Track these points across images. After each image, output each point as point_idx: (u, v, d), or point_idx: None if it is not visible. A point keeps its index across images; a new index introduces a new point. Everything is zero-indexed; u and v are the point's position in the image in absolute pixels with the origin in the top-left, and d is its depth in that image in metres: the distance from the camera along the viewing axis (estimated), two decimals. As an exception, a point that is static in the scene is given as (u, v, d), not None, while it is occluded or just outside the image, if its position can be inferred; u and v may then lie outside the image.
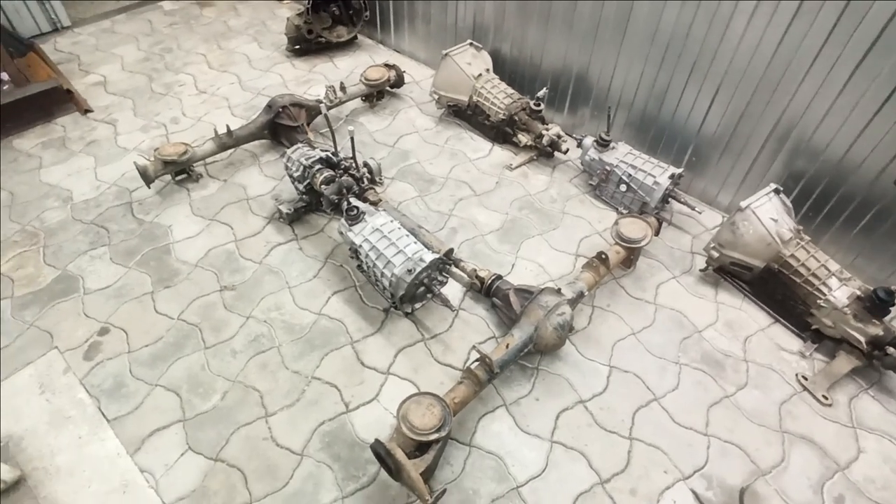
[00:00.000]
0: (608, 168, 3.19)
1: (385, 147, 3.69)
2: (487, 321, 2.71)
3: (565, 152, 3.46)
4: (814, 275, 2.64)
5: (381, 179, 3.33)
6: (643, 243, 2.76)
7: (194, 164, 3.35)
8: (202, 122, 3.83)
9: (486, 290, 2.69)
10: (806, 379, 2.54)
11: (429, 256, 2.48)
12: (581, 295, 2.58)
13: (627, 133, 3.54)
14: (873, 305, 2.46)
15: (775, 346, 2.69)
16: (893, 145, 2.56)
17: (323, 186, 2.83)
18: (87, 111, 3.87)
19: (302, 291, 2.81)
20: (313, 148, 3.04)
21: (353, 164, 2.96)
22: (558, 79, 3.70)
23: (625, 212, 3.26)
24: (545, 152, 3.54)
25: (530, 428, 2.33)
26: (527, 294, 2.52)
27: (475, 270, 2.74)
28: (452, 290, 2.82)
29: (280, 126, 3.44)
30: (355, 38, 4.61)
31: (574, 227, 3.20)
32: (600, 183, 3.30)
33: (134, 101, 4.01)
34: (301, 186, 2.99)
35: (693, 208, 3.13)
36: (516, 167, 3.53)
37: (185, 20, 5.00)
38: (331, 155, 2.92)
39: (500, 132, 3.66)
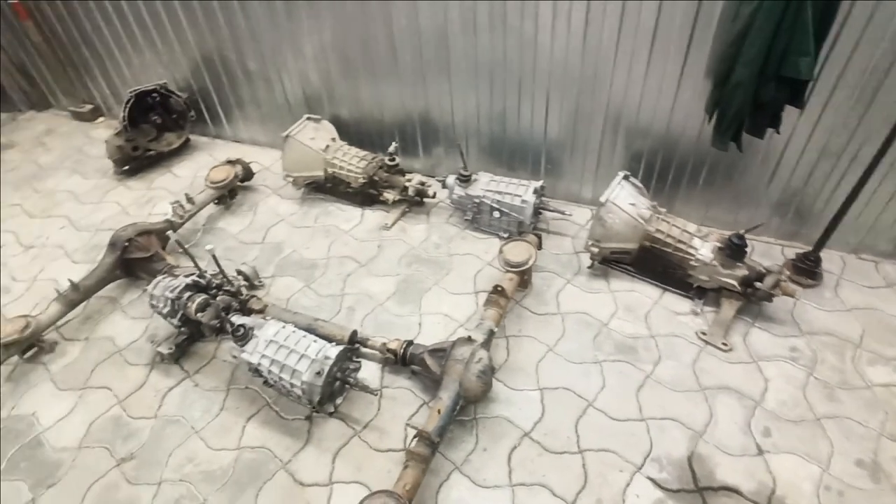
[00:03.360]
0: (477, 200, 3.30)
1: (255, 246, 3.51)
2: (413, 390, 2.65)
3: (433, 196, 3.53)
4: (679, 241, 2.90)
5: (260, 282, 3.17)
6: (530, 263, 2.87)
7: (43, 334, 2.95)
8: (39, 282, 3.39)
9: (403, 360, 2.64)
10: (705, 334, 2.78)
11: (333, 351, 2.38)
12: (491, 333, 2.62)
13: (484, 160, 3.69)
14: (732, 252, 2.76)
15: (671, 313, 2.92)
16: (699, 109, 2.91)
17: (199, 315, 2.62)
18: None
19: (212, 431, 2.56)
20: (175, 276, 2.81)
21: (225, 280, 2.78)
22: (404, 127, 3.78)
23: (505, 236, 3.38)
24: (415, 202, 3.58)
25: (487, 481, 2.30)
26: (441, 352, 2.50)
27: (385, 344, 2.68)
28: (370, 370, 2.73)
29: (132, 261, 3.15)
30: (188, 140, 4.37)
31: (465, 266, 3.26)
32: (474, 216, 3.40)
33: (-53, 282, 3.47)
34: (175, 321, 2.74)
35: (563, 213, 3.33)
36: (392, 225, 3.53)
37: (-14, 172, 4.44)
38: (197, 278, 2.72)
39: (365, 196, 3.65)
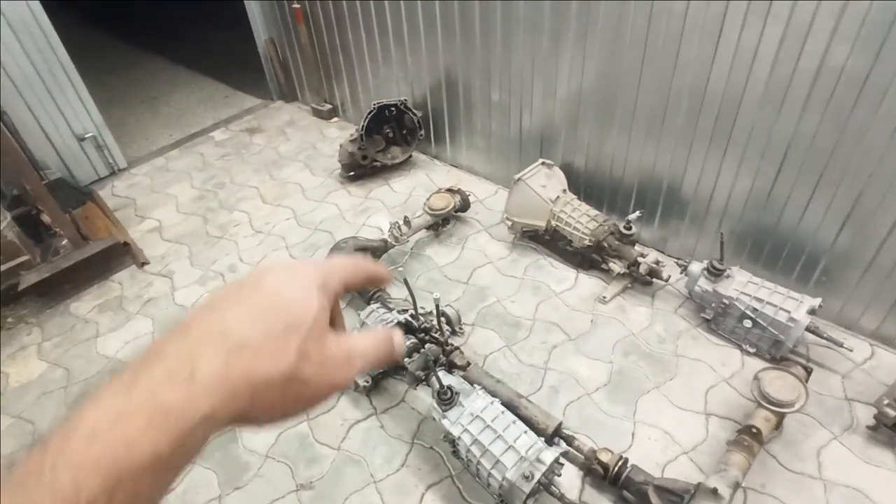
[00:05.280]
0: (726, 301, 2.74)
1: (459, 284, 3.33)
2: (618, 519, 2.22)
3: (666, 279, 3.03)
4: None
5: (460, 329, 2.97)
6: (797, 406, 2.26)
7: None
8: (261, 269, 3.59)
9: (614, 480, 2.22)
10: None
11: (548, 456, 2.05)
12: (737, 487, 2.08)
13: (733, 248, 3.09)
14: None
15: None
16: None
17: (406, 360, 2.48)
18: (143, 264, 3.72)
19: (390, 486, 2.39)
20: (389, 308, 2.72)
21: (436, 327, 2.61)
22: (645, 190, 3.33)
23: (751, 351, 2.77)
24: (642, 280, 3.12)
25: None
26: (672, 495, 2.04)
27: (594, 452, 2.28)
28: (568, 474, 2.35)
29: (346, 274, 3.15)
30: (410, 156, 4.41)
31: (694, 375, 2.72)
32: (716, 316, 2.84)
33: (189, 247, 3.83)
34: (378, 354, 2.64)
35: (840, 345, 2.62)
36: (610, 299, 3.11)
37: (237, 150, 4.92)
38: (410, 318, 2.59)
39: (584, 258, 3.28)
